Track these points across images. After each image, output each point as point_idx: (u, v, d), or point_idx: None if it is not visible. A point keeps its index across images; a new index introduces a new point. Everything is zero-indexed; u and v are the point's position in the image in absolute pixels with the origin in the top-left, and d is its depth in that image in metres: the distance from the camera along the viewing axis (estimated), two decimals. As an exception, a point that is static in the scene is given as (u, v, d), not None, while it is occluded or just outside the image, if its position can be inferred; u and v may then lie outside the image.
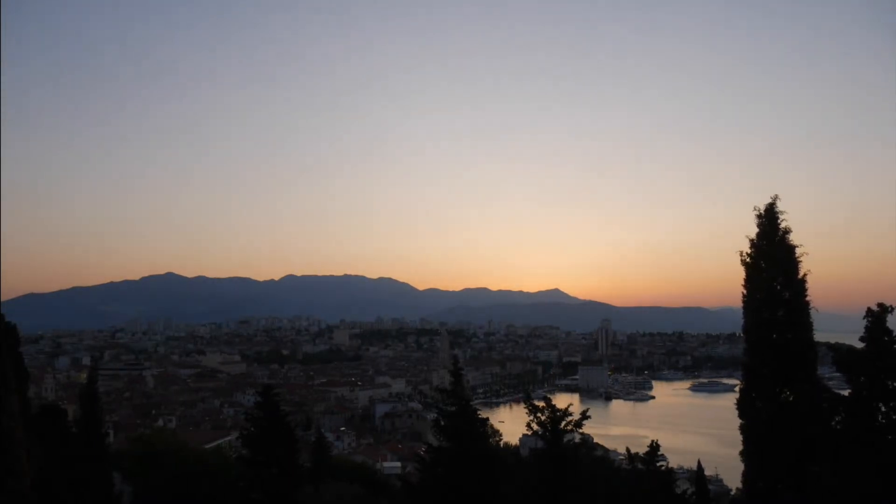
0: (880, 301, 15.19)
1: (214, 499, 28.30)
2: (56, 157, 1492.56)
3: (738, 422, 16.53)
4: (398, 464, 63.79)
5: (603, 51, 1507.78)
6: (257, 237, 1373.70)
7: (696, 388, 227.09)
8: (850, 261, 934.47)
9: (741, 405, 16.49)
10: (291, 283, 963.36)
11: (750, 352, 16.61)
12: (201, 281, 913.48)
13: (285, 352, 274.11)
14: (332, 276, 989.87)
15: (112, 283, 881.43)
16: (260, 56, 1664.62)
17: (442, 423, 21.49)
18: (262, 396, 25.93)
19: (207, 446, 48.61)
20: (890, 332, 15.02)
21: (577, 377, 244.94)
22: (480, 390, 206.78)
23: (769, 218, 16.55)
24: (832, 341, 20.84)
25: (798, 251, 16.28)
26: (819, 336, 16.45)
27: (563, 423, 20.29)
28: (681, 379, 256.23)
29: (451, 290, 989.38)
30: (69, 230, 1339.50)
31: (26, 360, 23.63)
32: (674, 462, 52.87)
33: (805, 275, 16.17)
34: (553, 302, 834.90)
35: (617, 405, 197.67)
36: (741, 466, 16.87)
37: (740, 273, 16.79)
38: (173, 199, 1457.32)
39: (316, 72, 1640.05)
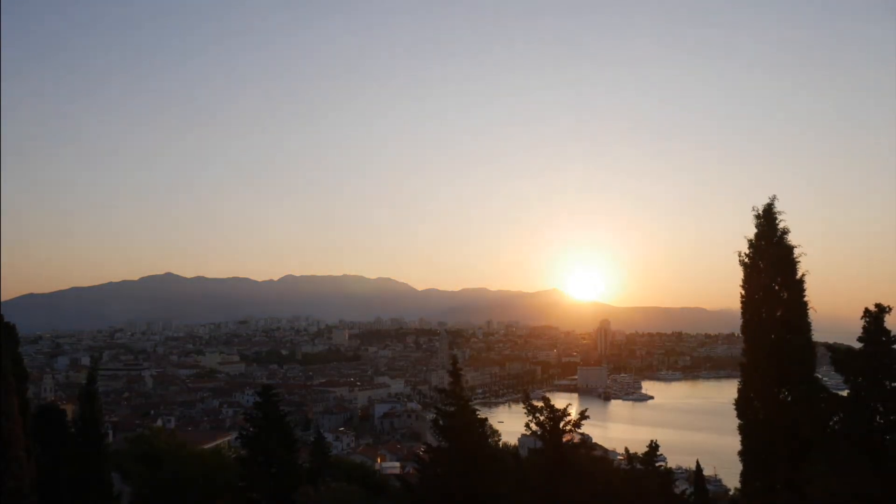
0: (878, 302, 15.22)
1: (213, 499, 28.31)
2: (56, 157, 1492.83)
3: (737, 421, 16.58)
4: (397, 464, 63.90)
5: (601, 52, 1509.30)
6: (257, 237, 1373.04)
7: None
8: (850, 261, 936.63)
9: (740, 405, 16.53)
10: (290, 284, 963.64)
11: (748, 352, 16.62)
12: (200, 281, 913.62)
13: (284, 352, 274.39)
14: (330, 277, 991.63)
15: (111, 283, 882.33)
16: (261, 56, 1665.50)
17: (441, 423, 21.52)
18: (261, 396, 25.92)
19: (206, 446, 48.49)
20: (888, 332, 15.03)
21: (575, 377, 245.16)
22: (479, 390, 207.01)
23: (768, 218, 16.55)
24: (830, 342, 20.88)
25: (796, 252, 16.30)
26: (817, 336, 16.45)
27: (562, 423, 20.33)
28: (679, 379, 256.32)
29: (449, 290, 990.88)
30: (69, 230, 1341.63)
31: (26, 360, 23.59)
32: (672, 462, 53.01)
33: (803, 275, 16.17)
34: (552, 302, 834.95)
35: (616, 405, 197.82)
36: (740, 466, 16.90)
37: (739, 274, 16.81)
38: (173, 200, 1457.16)
39: (317, 72, 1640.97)
